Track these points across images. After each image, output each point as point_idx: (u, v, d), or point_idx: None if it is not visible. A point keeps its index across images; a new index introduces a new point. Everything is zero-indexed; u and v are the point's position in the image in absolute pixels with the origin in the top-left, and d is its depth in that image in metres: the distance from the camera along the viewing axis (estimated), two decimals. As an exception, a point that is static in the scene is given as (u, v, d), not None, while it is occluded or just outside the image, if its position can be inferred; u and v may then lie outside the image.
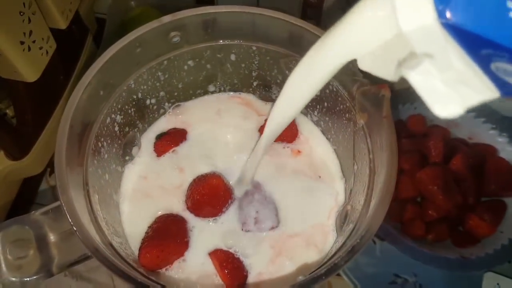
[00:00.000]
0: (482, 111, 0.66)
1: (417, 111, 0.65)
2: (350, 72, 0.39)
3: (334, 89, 0.42)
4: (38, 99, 0.55)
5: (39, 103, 0.56)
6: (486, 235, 0.59)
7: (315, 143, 0.49)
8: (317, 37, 0.39)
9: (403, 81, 0.23)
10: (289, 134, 0.49)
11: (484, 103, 0.20)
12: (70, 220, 0.31)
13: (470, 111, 0.71)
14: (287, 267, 0.41)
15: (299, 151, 0.48)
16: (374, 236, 0.31)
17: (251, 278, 0.40)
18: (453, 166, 0.62)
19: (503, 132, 0.64)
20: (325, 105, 0.46)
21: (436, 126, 0.68)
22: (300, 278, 0.30)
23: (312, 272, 0.31)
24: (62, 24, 0.56)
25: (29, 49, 0.47)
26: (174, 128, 0.49)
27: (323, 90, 0.44)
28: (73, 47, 0.65)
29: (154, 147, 0.48)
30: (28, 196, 0.64)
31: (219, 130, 0.49)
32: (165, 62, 0.44)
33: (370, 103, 0.37)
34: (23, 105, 0.55)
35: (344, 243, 0.34)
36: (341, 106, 0.43)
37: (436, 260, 0.56)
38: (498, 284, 0.60)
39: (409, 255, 0.56)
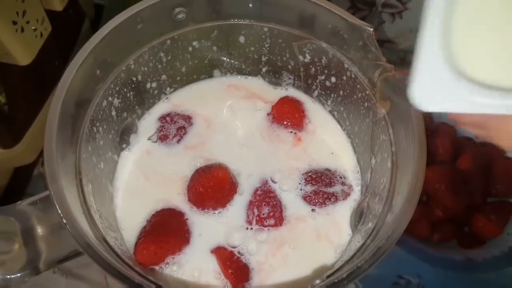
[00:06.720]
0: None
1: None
2: (372, 56, 0.35)
3: (353, 76, 0.39)
4: (32, 84, 0.54)
5: (32, 89, 0.55)
6: (493, 237, 0.59)
7: (325, 134, 0.46)
8: (337, 17, 0.37)
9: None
10: (294, 117, 0.45)
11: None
12: (60, 212, 0.28)
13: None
14: (293, 260, 0.39)
15: (300, 139, 0.45)
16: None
17: (255, 274, 0.38)
18: (460, 165, 0.62)
19: (512, 132, 0.63)
20: (341, 93, 0.43)
21: (443, 124, 0.66)
22: (318, 282, 0.27)
23: (331, 274, 0.28)
24: (58, 6, 0.54)
25: (22, 30, 0.45)
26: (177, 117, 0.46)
27: (339, 77, 0.41)
28: (69, 31, 0.63)
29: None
30: (19, 187, 0.62)
31: (227, 126, 0.46)
32: (168, 41, 0.42)
33: (394, 91, 0.34)
34: (15, 90, 0.53)
35: (364, 244, 0.31)
36: (359, 94, 0.39)
37: (441, 261, 0.57)
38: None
39: (414, 256, 0.56)
